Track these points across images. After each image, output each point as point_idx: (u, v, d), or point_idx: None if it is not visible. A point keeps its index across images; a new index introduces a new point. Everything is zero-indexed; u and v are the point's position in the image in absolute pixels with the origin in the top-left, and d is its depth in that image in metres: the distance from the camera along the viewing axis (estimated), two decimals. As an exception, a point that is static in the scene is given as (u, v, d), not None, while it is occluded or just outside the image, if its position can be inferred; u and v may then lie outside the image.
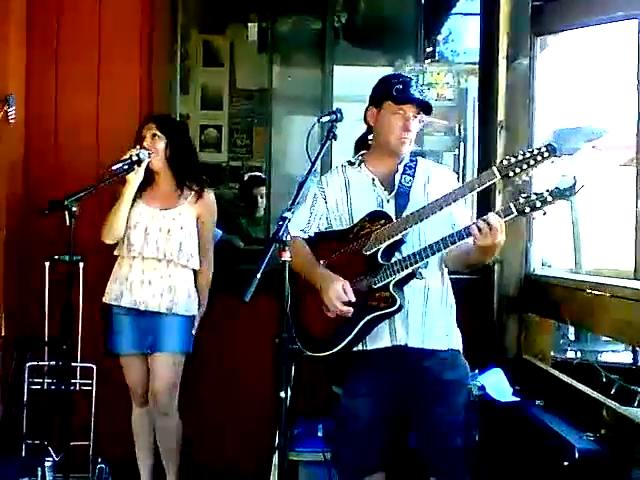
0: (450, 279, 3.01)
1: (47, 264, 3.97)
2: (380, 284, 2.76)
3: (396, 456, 2.93)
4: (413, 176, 2.93)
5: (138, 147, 3.57)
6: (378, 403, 2.85)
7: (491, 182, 2.67)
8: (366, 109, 3.02)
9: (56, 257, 3.83)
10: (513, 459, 3.14)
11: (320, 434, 3.72)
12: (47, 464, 3.58)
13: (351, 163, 3.04)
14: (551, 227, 4.09)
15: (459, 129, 5.37)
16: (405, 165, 2.96)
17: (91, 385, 3.99)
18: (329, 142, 2.84)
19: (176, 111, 4.50)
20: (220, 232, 4.67)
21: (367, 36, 5.48)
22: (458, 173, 5.21)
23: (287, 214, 2.50)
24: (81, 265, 3.95)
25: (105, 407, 4.03)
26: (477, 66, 4.51)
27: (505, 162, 2.64)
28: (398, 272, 2.73)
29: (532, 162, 2.59)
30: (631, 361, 4.58)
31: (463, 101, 5.32)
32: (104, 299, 3.68)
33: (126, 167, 3.48)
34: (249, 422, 4.13)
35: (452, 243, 2.65)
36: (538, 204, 2.52)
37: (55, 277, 3.93)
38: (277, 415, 2.51)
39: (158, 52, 4.33)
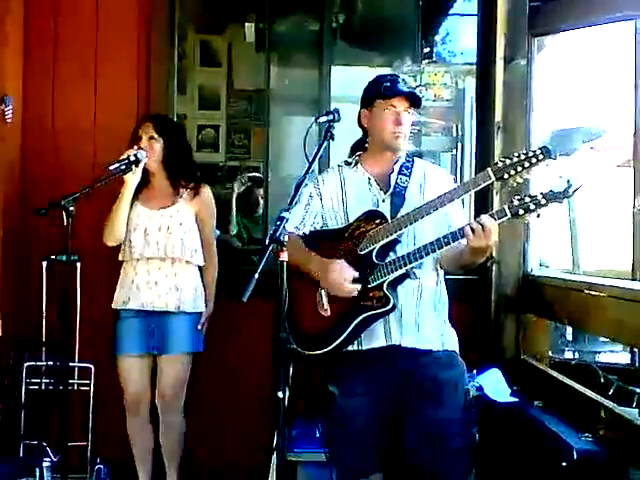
0: (447, 279, 3.02)
1: (44, 264, 3.97)
2: (374, 284, 2.76)
3: (393, 457, 2.92)
4: (409, 176, 2.94)
5: (136, 147, 3.56)
6: (374, 403, 2.84)
7: (486, 184, 2.68)
8: (359, 113, 3.03)
9: (53, 257, 3.84)
10: (511, 460, 3.14)
11: (318, 435, 3.71)
12: (45, 464, 3.57)
13: (348, 163, 3.05)
14: (549, 227, 4.09)
15: (456, 130, 5.36)
16: (401, 165, 2.96)
17: (89, 385, 3.98)
18: (327, 142, 2.84)
19: (173, 111, 4.49)
20: (218, 232, 4.67)
21: (365, 36, 5.47)
22: (455, 174, 5.21)
23: (285, 214, 2.51)
24: (78, 265, 3.94)
25: (103, 407, 4.02)
26: (474, 67, 4.51)
27: (500, 164, 2.64)
28: (392, 272, 2.74)
29: (527, 164, 2.59)
30: (629, 362, 4.59)
31: (460, 102, 5.32)
32: (113, 305, 3.68)
33: (123, 167, 3.48)
34: (248, 422, 4.13)
35: (446, 244, 2.65)
36: (532, 207, 2.53)
37: (53, 277, 3.93)
38: (275, 415, 2.51)
39: (155, 52, 4.33)
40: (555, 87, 4.21)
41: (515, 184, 2.67)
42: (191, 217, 3.69)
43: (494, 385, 3.45)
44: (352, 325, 2.78)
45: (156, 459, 3.80)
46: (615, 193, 4.33)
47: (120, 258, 3.68)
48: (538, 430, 3.03)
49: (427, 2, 5.17)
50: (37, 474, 3.53)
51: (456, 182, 2.84)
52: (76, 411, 3.79)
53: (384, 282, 2.75)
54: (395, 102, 2.90)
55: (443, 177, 3.04)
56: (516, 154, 2.63)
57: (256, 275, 2.34)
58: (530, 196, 2.55)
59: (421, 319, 2.87)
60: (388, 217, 2.82)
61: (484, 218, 2.58)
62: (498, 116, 4.00)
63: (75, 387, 3.95)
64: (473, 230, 2.57)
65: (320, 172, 4.35)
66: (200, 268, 3.74)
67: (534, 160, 2.59)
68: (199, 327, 3.71)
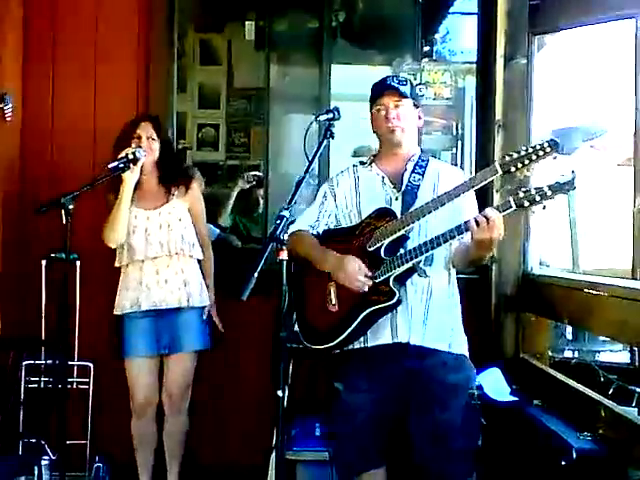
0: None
1: (44, 262, 3.97)
2: (380, 279, 2.77)
3: (397, 455, 2.91)
4: (423, 175, 2.94)
5: (134, 146, 3.56)
6: (377, 401, 2.85)
7: (493, 177, 2.67)
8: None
9: (53, 255, 3.83)
10: (510, 459, 3.14)
11: (318, 433, 3.71)
12: (44, 463, 3.58)
13: (362, 163, 3.08)
14: (549, 226, 4.09)
15: (456, 128, 5.35)
16: (415, 164, 2.96)
17: (88, 384, 3.98)
18: (327, 141, 2.84)
19: (173, 110, 4.49)
20: (217, 230, 4.67)
21: (365, 35, 5.47)
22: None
23: (284, 213, 2.51)
24: (78, 263, 3.94)
25: (102, 406, 4.02)
26: (475, 65, 4.52)
27: (507, 158, 2.63)
28: (398, 267, 2.74)
29: (534, 157, 2.57)
30: (629, 361, 4.59)
31: (461, 100, 5.31)
32: (117, 311, 3.65)
33: (122, 166, 3.48)
34: (248, 421, 4.13)
35: (451, 237, 2.65)
36: (537, 198, 2.50)
37: (52, 275, 3.93)
38: (275, 414, 2.51)
39: (155, 51, 4.33)
40: (555, 86, 4.20)
41: (522, 177, 2.66)
42: (186, 212, 3.72)
43: (494, 384, 3.45)
44: (358, 319, 2.79)
45: (156, 459, 3.80)
46: (615, 192, 4.32)
47: (117, 264, 3.67)
48: (538, 429, 3.03)
49: (427, 0, 5.17)
50: (36, 472, 3.53)
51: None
52: (75, 409, 3.79)
53: (390, 277, 2.75)
54: (383, 100, 2.95)
55: (457, 175, 3.01)
56: (524, 147, 2.62)
57: (255, 274, 2.34)
58: (536, 188, 2.53)
59: (430, 318, 2.85)
60: (399, 214, 2.83)
61: (488, 210, 2.58)
62: (498, 115, 4.00)
63: (74, 385, 3.96)
64: (477, 223, 2.57)
65: (320, 171, 4.40)
66: (199, 261, 3.76)
67: (541, 153, 2.56)
68: (204, 317, 3.71)
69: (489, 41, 4.11)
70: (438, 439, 2.79)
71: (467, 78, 5.24)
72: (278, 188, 4.72)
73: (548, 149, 2.56)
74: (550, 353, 4.05)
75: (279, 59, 5.28)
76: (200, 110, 5.72)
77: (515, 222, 3.69)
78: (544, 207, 2.52)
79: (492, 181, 2.71)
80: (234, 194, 5.12)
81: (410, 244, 2.78)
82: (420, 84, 4.72)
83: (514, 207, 2.55)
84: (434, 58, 5.42)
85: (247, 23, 5.48)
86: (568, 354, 4.81)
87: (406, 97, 2.94)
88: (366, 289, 2.77)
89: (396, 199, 2.91)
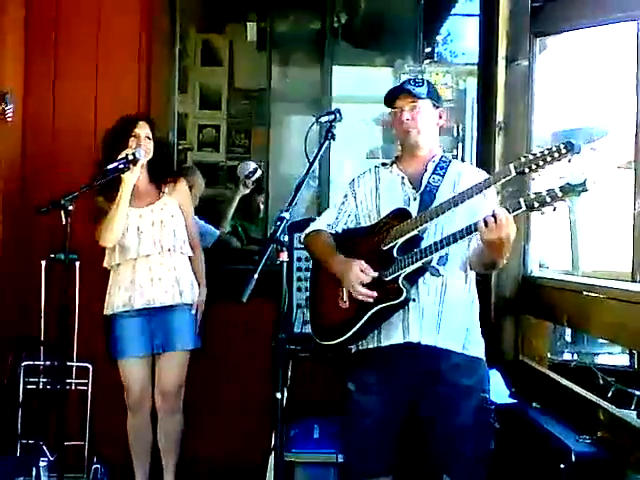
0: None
1: (43, 263, 3.97)
2: (390, 277, 2.76)
3: (404, 461, 2.91)
4: (443, 176, 2.93)
5: (134, 146, 3.56)
6: (387, 403, 2.85)
7: (506, 178, 2.64)
8: None
9: (52, 256, 3.83)
10: (509, 461, 3.14)
11: (317, 435, 3.71)
12: (42, 464, 3.56)
13: (384, 164, 3.08)
14: (549, 229, 4.09)
15: (457, 130, 5.36)
16: (436, 165, 2.95)
17: (87, 385, 3.98)
18: (328, 142, 2.84)
19: (174, 110, 4.49)
20: (217, 232, 4.67)
21: (366, 36, 5.47)
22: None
23: (285, 214, 2.51)
24: (77, 264, 3.94)
25: (101, 407, 4.02)
26: (476, 67, 4.51)
27: (523, 159, 2.59)
28: (407, 266, 2.73)
29: (549, 159, 2.53)
30: (628, 364, 4.58)
31: (462, 102, 5.32)
32: (107, 311, 3.67)
33: (121, 166, 3.48)
34: (247, 422, 4.13)
35: (461, 237, 2.63)
36: (548, 199, 2.46)
37: (51, 276, 3.93)
38: (273, 416, 2.50)
39: (156, 51, 4.33)
40: (557, 88, 4.20)
41: (531, 179, 2.63)
42: (178, 209, 3.74)
43: (493, 386, 3.42)
44: (365, 317, 2.79)
45: (153, 458, 3.80)
46: (615, 194, 4.32)
47: (108, 265, 3.69)
48: (536, 432, 3.03)
49: (429, 2, 5.18)
50: (34, 473, 3.52)
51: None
52: (73, 411, 3.80)
53: (400, 275, 2.75)
54: (398, 103, 2.95)
55: (478, 178, 2.92)
56: (540, 149, 2.59)
57: (256, 275, 2.34)
58: (547, 189, 2.49)
59: (444, 318, 2.84)
60: (415, 215, 2.83)
61: (497, 210, 2.55)
62: (499, 116, 3.99)
63: (73, 386, 3.95)
64: (486, 222, 2.54)
65: (321, 172, 4.40)
66: (189, 258, 3.77)
67: (556, 155, 2.52)
68: (193, 312, 3.70)
69: (490, 43, 4.11)
70: (450, 442, 2.79)
71: (468, 80, 5.25)
72: (278, 189, 4.73)
73: (564, 151, 2.51)
74: (549, 356, 4.05)
75: (280, 60, 5.29)
76: (201, 111, 5.73)
77: (515, 224, 3.68)
78: (554, 209, 2.49)
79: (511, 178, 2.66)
80: (236, 200, 5.10)
81: (424, 244, 2.78)
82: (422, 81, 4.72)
83: (524, 208, 2.52)
84: (435, 60, 5.43)
85: (249, 24, 5.49)
86: (567, 357, 4.80)
87: (421, 98, 2.93)
88: (370, 300, 2.76)
89: (414, 199, 2.90)
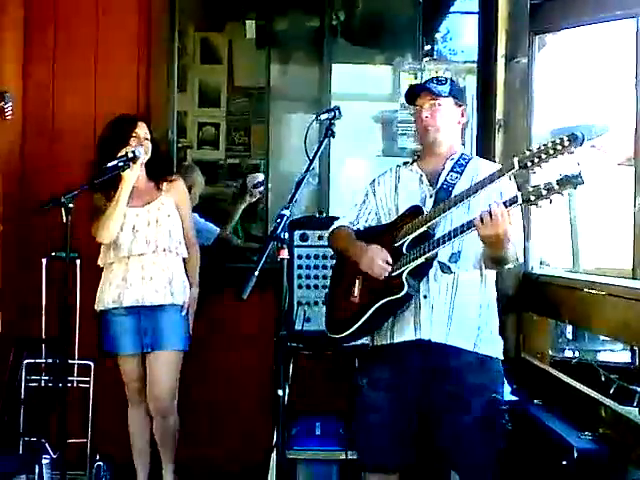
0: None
1: (44, 261, 3.97)
2: (395, 273, 2.78)
3: (413, 458, 2.91)
4: (461, 174, 2.92)
5: (134, 144, 3.57)
6: (397, 398, 2.86)
7: (510, 173, 2.63)
8: None
9: (53, 254, 3.84)
10: (511, 458, 3.14)
11: (319, 432, 3.72)
12: (44, 461, 3.57)
13: (405, 163, 3.10)
14: (549, 226, 4.09)
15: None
16: (455, 163, 2.95)
17: (88, 383, 3.98)
18: (327, 140, 2.85)
19: (174, 108, 4.49)
20: (217, 230, 4.67)
21: (365, 34, 5.47)
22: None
23: (285, 212, 2.51)
24: (78, 262, 3.94)
25: (103, 404, 4.02)
26: (475, 65, 4.51)
27: (527, 152, 2.58)
28: (412, 261, 2.75)
29: (551, 152, 2.50)
30: (629, 360, 4.59)
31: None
32: (98, 307, 3.68)
33: (121, 164, 3.48)
34: (249, 420, 4.13)
35: (461, 232, 2.64)
36: (544, 192, 2.46)
37: (52, 274, 3.93)
38: (275, 413, 2.50)
39: (156, 49, 4.33)
40: (556, 85, 4.20)
41: (533, 173, 2.61)
42: (174, 208, 3.72)
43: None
44: (370, 311, 2.82)
45: (153, 457, 3.80)
46: (616, 192, 4.32)
47: (101, 262, 3.69)
48: (538, 429, 3.03)
49: (428, 0, 5.17)
50: (36, 471, 3.53)
51: (510, 179, 2.77)
52: (75, 408, 3.79)
53: (404, 271, 2.76)
54: (418, 101, 2.98)
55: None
56: (544, 142, 2.57)
57: (256, 273, 2.34)
58: (545, 182, 2.48)
59: (455, 316, 2.83)
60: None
61: (493, 205, 2.54)
62: (499, 114, 3.99)
63: (75, 384, 3.95)
64: (482, 219, 2.55)
65: (321, 169, 4.40)
66: (183, 260, 3.76)
67: (559, 147, 2.49)
68: (183, 313, 3.68)
69: (490, 40, 4.11)
70: (458, 440, 2.80)
71: (468, 77, 5.23)
72: (278, 187, 4.73)
73: (567, 143, 2.48)
74: (551, 353, 4.04)
75: (280, 58, 5.28)
76: (200, 109, 5.73)
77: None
78: (551, 201, 2.47)
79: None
80: (241, 209, 5.09)
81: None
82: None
83: (520, 201, 2.51)
84: (435, 57, 5.43)
85: (248, 22, 5.48)
86: (569, 354, 4.81)
87: (442, 96, 2.94)
88: (385, 274, 2.80)
89: (430, 197, 2.91)
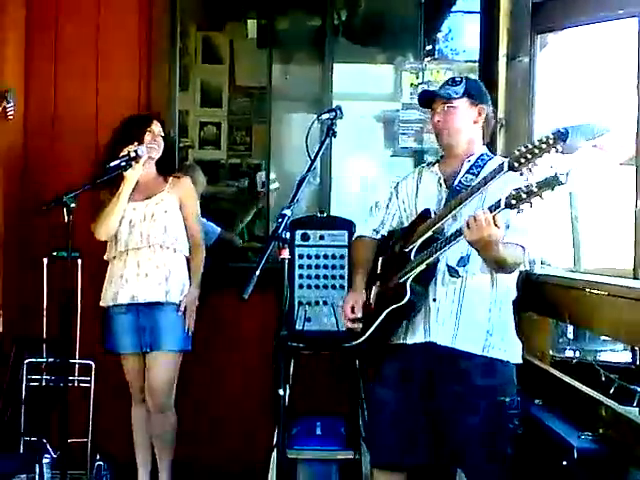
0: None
1: (45, 261, 3.98)
2: (401, 280, 2.80)
3: (422, 459, 2.90)
4: (477, 175, 2.88)
5: (135, 143, 3.57)
6: (404, 398, 2.87)
7: (502, 174, 2.62)
8: None
9: (54, 253, 3.84)
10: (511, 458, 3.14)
11: (319, 432, 3.72)
12: (45, 461, 3.58)
13: (429, 164, 3.11)
14: (550, 226, 4.08)
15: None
16: (473, 164, 2.92)
17: (89, 382, 3.99)
18: (329, 139, 2.85)
19: (175, 108, 4.49)
20: (218, 229, 4.67)
21: (367, 34, 5.46)
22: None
23: (286, 212, 2.52)
24: (79, 262, 3.95)
25: (103, 404, 4.03)
26: (477, 64, 4.50)
27: (516, 152, 2.59)
28: (415, 268, 2.77)
29: (537, 151, 2.50)
30: (630, 360, 4.58)
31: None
32: (101, 303, 3.69)
33: (123, 164, 3.50)
34: (249, 420, 4.13)
35: (454, 238, 2.65)
36: (524, 196, 2.45)
37: (54, 274, 3.93)
38: (276, 413, 2.51)
39: (157, 49, 4.34)
40: (558, 84, 4.19)
41: (522, 173, 2.60)
42: (175, 205, 3.73)
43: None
44: (379, 319, 2.85)
45: (154, 456, 3.81)
46: (617, 191, 4.32)
47: (106, 257, 3.71)
48: (539, 428, 3.02)
49: (429, -1, 5.16)
50: (37, 470, 3.54)
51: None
52: (76, 408, 3.79)
53: (409, 278, 2.77)
54: (433, 106, 2.99)
55: (510, 174, 2.74)
56: (530, 142, 2.56)
57: (257, 273, 2.34)
58: (525, 186, 2.47)
59: (462, 319, 2.83)
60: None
61: (478, 211, 2.55)
62: (501, 113, 3.98)
63: (75, 384, 3.96)
64: (468, 224, 2.55)
65: (322, 169, 4.40)
66: (187, 259, 3.76)
67: (545, 146, 2.49)
68: (179, 313, 3.67)
69: (491, 40, 4.11)
70: (463, 442, 2.80)
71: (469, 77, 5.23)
72: (280, 187, 4.73)
73: (552, 140, 2.49)
74: (551, 352, 4.04)
75: (281, 57, 5.27)
76: (202, 108, 5.71)
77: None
78: (531, 205, 2.46)
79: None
80: (252, 213, 5.09)
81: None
82: (422, 83, 4.72)
83: (503, 206, 2.50)
84: (436, 57, 5.40)
85: (249, 21, 5.48)
86: (569, 353, 4.79)
87: (455, 98, 2.93)
88: (348, 324, 2.96)
89: (445, 199, 2.90)
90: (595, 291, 3.12)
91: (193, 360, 3.76)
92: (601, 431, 2.85)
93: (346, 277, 3.67)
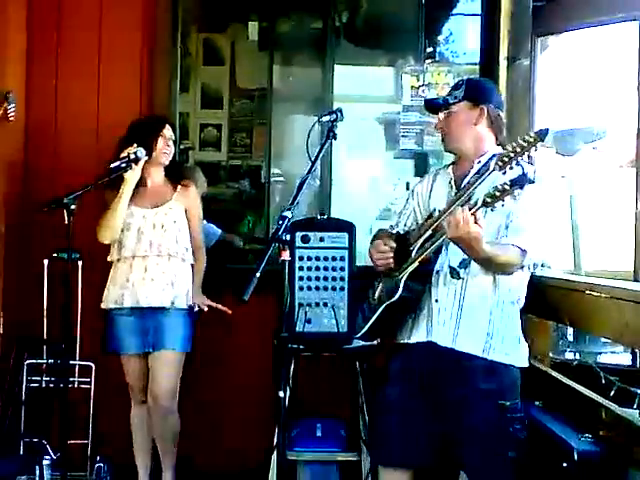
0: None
1: (46, 262, 3.98)
2: (398, 277, 2.83)
3: (427, 459, 2.91)
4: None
5: (135, 145, 3.57)
6: (407, 398, 2.88)
7: (485, 175, 2.64)
8: None
9: (55, 255, 3.84)
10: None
11: (319, 434, 3.72)
12: (45, 462, 3.59)
13: (446, 166, 3.12)
14: (550, 228, 4.08)
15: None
16: (483, 165, 2.86)
17: (90, 383, 3.99)
18: (329, 142, 2.85)
19: (176, 109, 4.50)
20: (219, 231, 4.68)
21: (368, 36, 5.47)
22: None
23: (287, 213, 2.52)
24: (80, 263, 3.95)
25: (104, 405, 4.02)
26: (478, 66, 4.51)
27: (503, 151, 2.60)
28: (410, 266, 2.80)
29: (518, 149, 2.52)
30: (630, 363, 4.58)
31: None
32: (103, 305, 3.69)
33: (123, 165, 3.50)
34: (248, 422, 4.13)
35: (440, 237, 2.68)
36: (498, 194, 2.48)
37: (54, 275, 3.93)
38: (276, 415, 2.51)
39: (158, 51, 4.34)
40: (558, 87, 4.20)
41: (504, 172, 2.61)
42: (183, 214, 3.75)
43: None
44: (376, 314, 2.91)
45: (155, 457, 3.81)
46: (617, 194, 4.32)
47: (109, 259, 3.71)
48: (539, 430, 3.02)
49: (430, 1, 5.16)
50: (37, 472, 3.54)
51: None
52: (76, 409, 3.79)
53: (403, 275, 2.81)
54: (438, 113, 3.01)
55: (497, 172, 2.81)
56: (514, 141, 2.57)
57: (257, 274, 2.34)
58: (500, 184, 2.50)
59: (463, 321, 2.84)
60: None
61: (457, 209, 2.57)
62: (501, 116, 3.99)
63: (76, 385, 3.96)
64: (448, 223, 2.58)
65: (323, 171, 4.41)
66: (191, 266, 3.78)
67: (526, 144, 2.50)
68: (195, 309, 3.71)
69: (492, 42, 4.12)
70: (463, 443, 2.81)
71: (470, 79, 5.24)
72: (280, 189, 4.74)
73: (531, 139, 2.50)
74: (551, 355, 4.04)
75: (282, 59, 5.28)
76: (203, 110, 5.72)
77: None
78: (503, 204, 2.49)
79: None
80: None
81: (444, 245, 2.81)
82: (423, 85, 4.72)
83: (480, 204, 2.52)
84: (437, 59, 5.41)
85: (250, 23, 5.47)
86: (569, 356, 4.80)
87: (454, 103, 2.94)
88: (384, 262, 2.94)
89: None
90: (595, 293, 3.11)
91: (194, 361, 3.76)
92: (601, 433, 2.85)
93: (346, 279, 3.67)
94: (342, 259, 3.69)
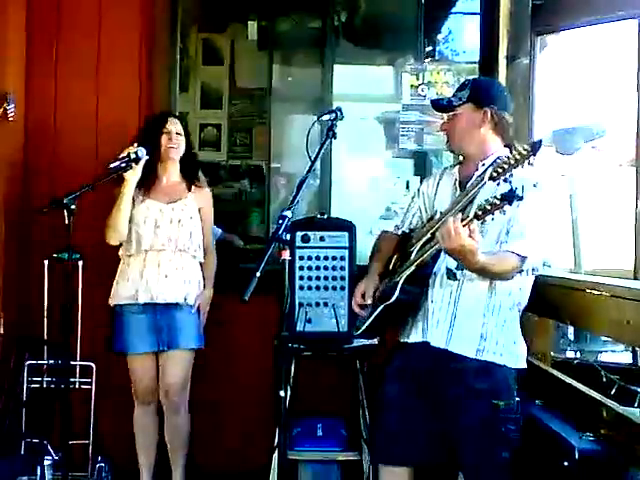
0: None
1: (46, 262, 3.98)
2: (396, 279, 2.84)
3: (426, 457, 2.92)
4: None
5: (135, 145, 3.57)
6: (405, 397, 2.89)
7: (481, 185, 2.62)
8: None
9: (55, 255, 3.84)
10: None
11: (320, 433, 3.72)
12: (46, 463, 3.59)
13: (452, 166, 3.11)
14: (551, 227, 4.08)
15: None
16: (488, 167, 2.83)
17: (90, 384, 3.99)
18: (329, 141, 2.85)
19: (175, 109, 4.49)
20: (219, 231, 4.68)
21: (367, 35, 5.46)
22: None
23: (287, 213, 2.52)
24: (80, 263, 3.95)
25: (104, 406, 4.03)
26: (477, 65, 4.51)
27: (498, 161, 2.58)
28: (408, 268, 2.80)
29: (512, 162, 2.49)
30: (631, 361, 4.58)
31: (463, 100, 5.30)
32: (112, 301, 3.68)
33: (124, 165, 3.50)
34: (249, 422, 4.14)
35: (435, 244, 2.67)
36: (488, 207, 2.45)
37: (54, 275, 3.93)
38: (277, 414, 2.51)
39: (158, 50, 4.34)
40: (557, 86, 4.19)
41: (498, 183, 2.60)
42: (197, 212, 3.76)
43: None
44: (374, 314, 2.93)
45: (159, 457, 3.81)
46: (617, 193, 4.32)
47: (121, 253, 3.70)
48: (540, 429, 3.02)
49: (430, 1, 5.17)
50: (38, 472, 3.54)
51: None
52: (77, 409, 3.80)
53: (400, 278, 2.81)
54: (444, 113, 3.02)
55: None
56: (507, 154, 2.56)
57: (257, 274, 2.34)
58: (491, 197, 2.47)
59: (456, 322, 2.84)
60: None
61: (449, 220, 2.54)
62: (500, 114, 3.98)
63: (76, 385, 3.96)
64: (441, 234, 2.57)
65: (323, 170, 4.41)
66: (200, 264, 3.79)
67: (519, 157, 2.47)
68: (193, 311, 3.71)
69: (492, 41, 4.12)
70: (460, 442, 2.82)
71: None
72: (280, 188, 4.74)
73: (524, 152, 2.47)
74: (552, 353, 4.04)
75: (282, 59, 5.28)
76: (202, 110, 5.71)
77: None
78: (493, 218, 2.47)
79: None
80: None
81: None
82: (422, 84, 4.72)
83: (472, 217, 2.50)
84: (437, 58, 5.41)
85: (250, 23, 5.47)
86: (570, 354, 4.80)
87: (458, 105, 2.92)
88: (355, 309, 3.04)
89: None
90: (596, 292, 3.12)
91: (194, 361, 3.76)
92: (602, 432, 2.85)
93: (347, 278, 3.67)
94: (342, 259, 3.69)
